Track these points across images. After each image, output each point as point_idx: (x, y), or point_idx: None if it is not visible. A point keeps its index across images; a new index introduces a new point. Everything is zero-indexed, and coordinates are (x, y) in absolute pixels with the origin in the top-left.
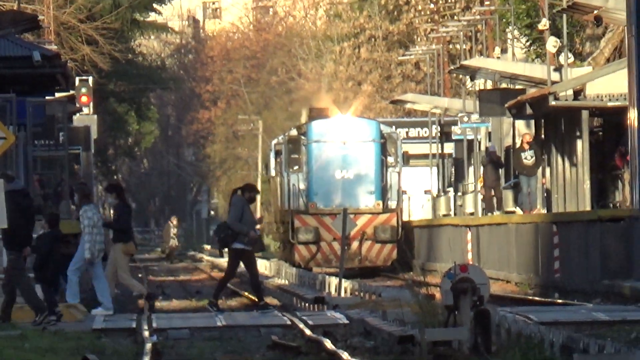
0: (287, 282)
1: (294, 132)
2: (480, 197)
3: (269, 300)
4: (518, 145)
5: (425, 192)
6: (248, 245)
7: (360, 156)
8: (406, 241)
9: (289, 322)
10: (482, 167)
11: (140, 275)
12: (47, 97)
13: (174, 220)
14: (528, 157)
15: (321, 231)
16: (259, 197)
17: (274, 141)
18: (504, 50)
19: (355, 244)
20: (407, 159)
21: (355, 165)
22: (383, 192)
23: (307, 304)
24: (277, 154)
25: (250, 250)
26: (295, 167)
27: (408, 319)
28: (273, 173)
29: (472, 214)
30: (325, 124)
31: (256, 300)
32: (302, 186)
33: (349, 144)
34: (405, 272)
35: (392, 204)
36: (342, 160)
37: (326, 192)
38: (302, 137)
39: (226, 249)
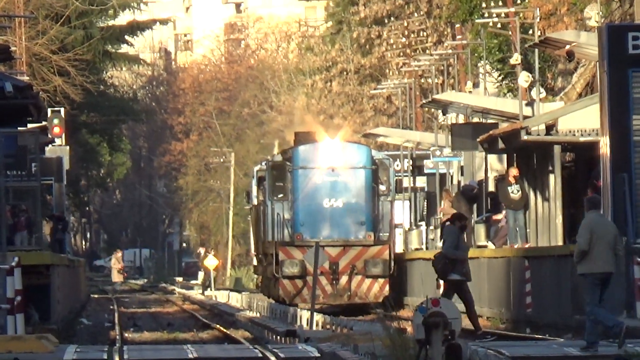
0: (258, 314)
1: (278, 158)
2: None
3: (240, 333)
4: (491, 178)
5: (397, 225)
6: (464, 276)
7: (350, 184)
8: (399, 276)
9: (260, 355)
10: (445, 201)
11: (111, 306)
12: (19, 128)
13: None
14: (515, 191)
15: (307, 265)
16: (230, 230)
17: (256, 167)
18: (476, 85)
19: (344, 279)
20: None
21: (344, 194)
22: (374, 222)
23: (278, 337)
24: (260, 180)
25: (465, 280)
26: (280, 195)
27: (379, 353)
28: (255, 201)
29: None
30: (313, 149)
31: (475, 329)
32: (287, 216)
33: (337, 171)
34: (396, 310)
35: (384, 235)
36: (330, 188)
37: (313, 222)
38: (287, 163)
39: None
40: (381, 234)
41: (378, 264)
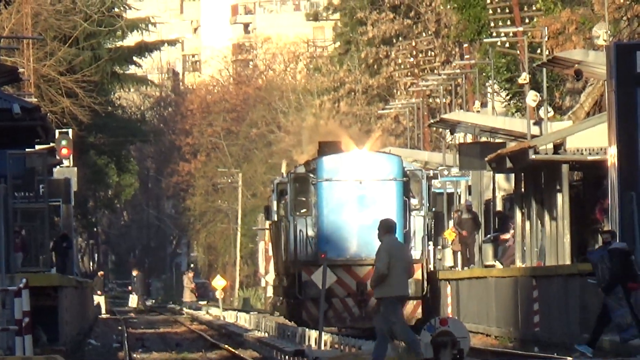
0: (267, 334)
1: (301, 169)
2: (450, 249)
3: (249, 353)
4: (499, 197)
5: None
6: None
7: (378, 197)
8: (433, 297)
9: None
10: (452, 222)
11: (120, 327)
12: (27, 150)
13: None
14: None
15: (333, 285)
16: (238, 251)
17: (276, 180)
18: (483, 104)
19: (373, 301)
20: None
21: (373, 208)
22: (405, 239)
23: (287, 357)
24: (281, 194)
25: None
26: (303, 210)
27: None
28: (275, 217)
29: (451, 267)
30: (338, 159)
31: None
32: (310, 233)
33: (365, 184)
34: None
35: (417, 253)
36: (357, 202)
37: (339, 239)
38: (311, 175)
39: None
40: (413, 252)
41: (410, 284)
